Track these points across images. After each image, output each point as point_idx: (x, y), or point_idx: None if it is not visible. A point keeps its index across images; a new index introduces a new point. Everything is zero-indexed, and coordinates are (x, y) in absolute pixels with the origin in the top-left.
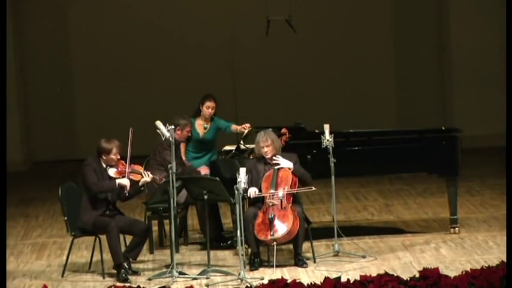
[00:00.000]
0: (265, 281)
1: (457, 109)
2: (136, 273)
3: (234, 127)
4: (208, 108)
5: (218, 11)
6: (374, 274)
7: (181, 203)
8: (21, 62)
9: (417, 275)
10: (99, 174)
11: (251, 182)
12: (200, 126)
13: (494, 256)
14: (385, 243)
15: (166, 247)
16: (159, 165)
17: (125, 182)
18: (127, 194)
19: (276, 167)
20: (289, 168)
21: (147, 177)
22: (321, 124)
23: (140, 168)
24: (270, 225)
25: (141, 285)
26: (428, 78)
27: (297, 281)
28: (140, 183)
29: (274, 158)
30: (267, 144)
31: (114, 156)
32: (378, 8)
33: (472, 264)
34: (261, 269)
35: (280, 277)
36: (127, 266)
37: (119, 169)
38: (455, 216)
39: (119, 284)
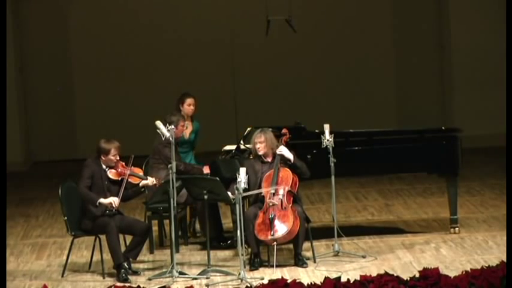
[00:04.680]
0: (265, 281)
1: (457, 109)
2: (136, 273)
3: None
4: (190, 105)
5: (218, 11)
6: (374, 274)
7: (181, 203)
8: (21, 62)
9: (417, 275)
10: (97, 176)
11: (248, 182)
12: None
13: (494, 256)
14: (385, 243)
15: (166, 247)
16: (158, 165)
17: (108, 201)
18: (114, 210)
19: (276, 164)
20: (290, 160)
21: (149, 180)
22: (321, 124)
23: (140, 171)
24: (270, 225)
25: (141, 285)
26: (428, 78)
27: (297, 281)
28: (141, 185)
29: (277, 149)
30: (260, 140)
31: (113, 157)
32: (378, 8)
33: (472, 264)
34: (261, 269)
35: (280, 277)
36: (127, 266)
37: (119, 170)
38: (455, 216)
39: (119, 284)
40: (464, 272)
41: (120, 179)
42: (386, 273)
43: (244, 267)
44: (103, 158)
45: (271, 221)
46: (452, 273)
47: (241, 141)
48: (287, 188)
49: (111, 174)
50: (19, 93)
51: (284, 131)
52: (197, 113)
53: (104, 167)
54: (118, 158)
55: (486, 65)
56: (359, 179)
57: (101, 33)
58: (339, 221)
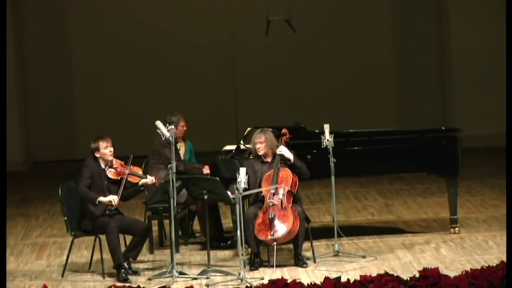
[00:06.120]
0: (265, 281)
1: (457, 109)
2: (136, 273)
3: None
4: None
5: (218, 11)
6: (374, 274)
7: (181, 203)
8: (21, 62)
9: (417, 275)
10: (97, 176)
11: (248, 182)
12: None
13: (494, 256)
14: (385, 243)
15: (166, 247)
16: (158, 165)
17: (107, 199)
18: (113, 209)
19: (276, 164)
20: (290, 160)
21: (148, 179)
22: (321, 124)
23: (139, 170)
24: (270, 225)
25: (141, 285)
26: (428, 78)
27: (297, 281)
28: (140, 184)
29: (277, 149)
30: (260, 140)
31: (105, 150)
32: (378, 8)
33: (472, 264)
34: (261, 269)
35: (280, 277)
36: (127, 266)
37: (118, 170)
38: (455, 216)
39: (118, 284)
40: (464, 272)
41: (119, 178)
42: (386, 273)
43: (244, 267)
44: (98, 156)
45: (271, 221)
46: (452, 273)
47: (241, 141)
48: (287, 188)
49: (111, 173)
50: (19, 93)
51: (284, 131)
52: (196, 114)
53: (103, 166)
54: (112, 150)
55: (486, 65)
56: (359, 179)
57: (101, 33)
58: (339, 221)
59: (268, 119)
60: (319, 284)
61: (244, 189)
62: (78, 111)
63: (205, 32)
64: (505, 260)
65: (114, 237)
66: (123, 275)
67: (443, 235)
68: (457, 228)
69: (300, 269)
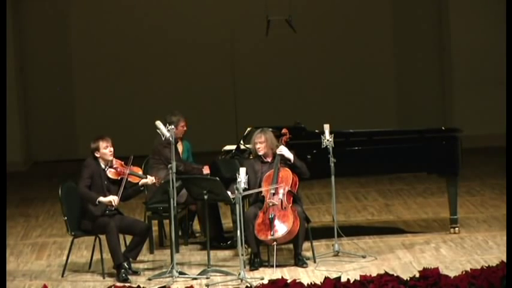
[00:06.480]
0: (265, 281)
1: (457, 109)
2: (136, 273)
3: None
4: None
5: (218, 11)
6: (374, 274)
7: (181, 203)
8: (21, 62)
9: (417, 275)
10: (97, 176)
11: (248, 182)
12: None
13: (494, 256)
14: (385, 243)
15: (166, 247)
16: (158, 165)
17: (107, 199)
18: (113, 208)
19: (276, 164)
20: (290, 160)
21: (148, 179)
22: (321, 124)
23: (139, 170)
24: (270, 225)
25: (141, 285)
26: (428, 78)
27: (297, 281)
28: (140, 184)
29: (277, 149)
30: (260, 140)
31: (105, 150)
32: (378, 8)
33: (472, 264)
34: (261, 269)
35: (280, 277)
36: (127, 266)
37: (118, 170)
38: (455, 216)
39: (118, 284)
40: (464, 272)
41: (119, 178)
42: (386, 273)
43: (244, 267)
44: (98, 155)
45: (271, 221)
46: (452, 273)
47: (241, 141)
48: (287, 188)
49: (111, 173)
50: (19, 93)
51: (284, 131)
52: (196, 114)
53: (103, 166)
54: (112, 150)
55: (486, 65)
56: (359, 179)
57: (101, 33)
58: (339, 221)
59: (268, 119)
60: (319, 284)
61: (244, 189)
62: (78, 111)
63: (206, 31)
64: (505, 260)
65: (114, 237)
66: (123, 275)
67: (443, 235)
68: (457, 228)
69: (300, 269)
